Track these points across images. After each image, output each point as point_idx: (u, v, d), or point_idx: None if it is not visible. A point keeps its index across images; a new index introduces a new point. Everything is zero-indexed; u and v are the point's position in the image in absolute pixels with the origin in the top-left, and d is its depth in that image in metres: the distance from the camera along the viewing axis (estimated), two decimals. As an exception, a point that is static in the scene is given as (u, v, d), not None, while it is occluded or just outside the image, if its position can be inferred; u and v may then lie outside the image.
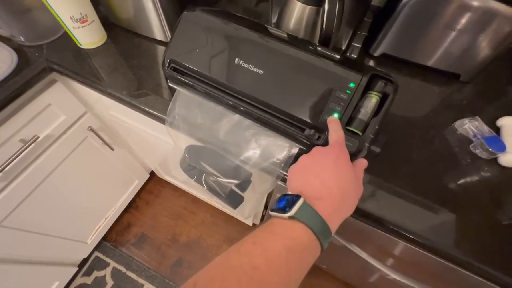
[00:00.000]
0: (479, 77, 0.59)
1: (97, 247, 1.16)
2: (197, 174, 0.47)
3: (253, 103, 0.43)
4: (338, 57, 0.40)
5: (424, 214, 0.43)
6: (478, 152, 0.48)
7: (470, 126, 0.49)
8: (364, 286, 1.00)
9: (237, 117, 0.46)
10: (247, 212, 0.54)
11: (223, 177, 0.46)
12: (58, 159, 0.73)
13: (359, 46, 0.62)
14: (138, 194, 1.28)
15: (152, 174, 1.30)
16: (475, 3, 0.47)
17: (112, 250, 1.18)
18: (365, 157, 0.41)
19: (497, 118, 0.52)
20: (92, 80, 0.56)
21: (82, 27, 0.53)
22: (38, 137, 0.63)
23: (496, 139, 0.46)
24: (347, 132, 0.39)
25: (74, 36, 0.56)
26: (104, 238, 1.17)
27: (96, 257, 1.15)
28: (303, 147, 0.43)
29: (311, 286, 1.14)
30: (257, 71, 0.42)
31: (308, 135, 0.40)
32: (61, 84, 0.64)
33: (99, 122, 0.80)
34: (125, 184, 1.13)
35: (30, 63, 0.57)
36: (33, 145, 0.63)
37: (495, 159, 0.48)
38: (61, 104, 0.66)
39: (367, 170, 0.45)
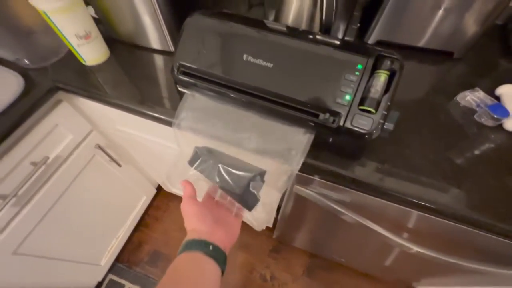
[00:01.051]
0: (470, 54, 0.62)
1: (111, 270, 1.13)
2: (210, 170, 0.45)
3: (265, 95, 0.44)
4: (342, 42, 0.42)
5: (441, 184, 0.44)
6: (483, 120, 0.50)
7: (472, 97, 0.51)
8: (384, 273, 1.00)
9: (249, 112, 0.47)
10: (260, 210, 0.51)
11: (235, 188, 0.43)
12: (68, 179, 0.73)
13: (353, 37, 0.65)
14: (146, 211, 1.27)
15: (159, 189, 1.29)
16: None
17: (126, 271, 1.15)
18: (380, 135, 0.43)
19: (494, 88, 0.55)
20: (99, 94, 0.56)
21: (86, 43, 0.54)
22: (48, 158, 0.62)
23: (499, 106, 0.48)
24: (361, 111, 0.40)
25: (78, 54, 0.57)
26: (117, 259, 1.14)
27: (111, 280, 1.12)
28: (319, 132, 0.44)
29: (331, 283, 1.13)
30: (266, 64, 0.43)
31: (323, 119, 0.41)
32: (67, 103, 0.65)
33: (105, 139, 0.80)
34: (133, 201, 1.12)
35: (36, 85, 0.57)
36: (43, 167, 0.62)
37: (500, 126, 0.49)
38: (67, 123, 0.66)
39: (379, 152, 0.46)
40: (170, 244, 1.22)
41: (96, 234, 0.95)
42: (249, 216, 0.48)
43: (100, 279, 1.04)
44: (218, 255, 0.36)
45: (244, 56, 0.44)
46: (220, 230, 0.39)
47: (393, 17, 0.58)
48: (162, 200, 1.32)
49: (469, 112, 0.52)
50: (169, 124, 0.54)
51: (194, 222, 0.39)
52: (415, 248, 0.49)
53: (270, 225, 1.16)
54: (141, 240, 1.23)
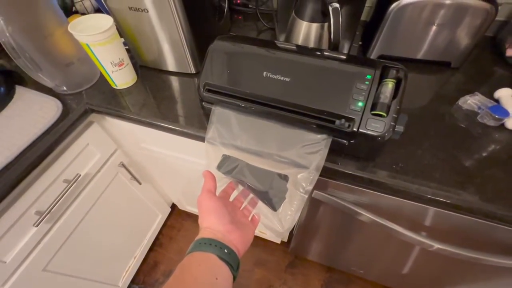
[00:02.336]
0: (466, 63, 0.67)
1: (127, 292, 1.12)
2: (237, 169, 0.47)
3: (284, 106, 0.49)
4: (351, 57, 0.48)
5: (454, 180, 0.47)
6: (486, 121, 0.53)
7: (472, 100, 0.56)
8: (405, 284, 0.98)
9: (271, 122, 0.52)
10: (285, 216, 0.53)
11: (261, 185, 0.46)
12: (94, 197, 0.77)
13: (356, 54, 0.71)
14: (160, 231, 1.28)
15: (172, 208, 1.31)
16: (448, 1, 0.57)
17: (142, 293, 1.14)
18: (392, 138, 0.47)
19: (492, 93, 0.59)
20: (129, 114, 0.62)
21: (119, 70, 0.61)
22: (80, 175, 0.67)
23: (499, 107, 0.52)
24: (373, 116, 0.44)
25: (111, 79, 0.63)
26: (132, 281, 1.14)
27: (127, 302, 1.11)
28: (336, 137, 0.48)
29: (351, 298, 1.10)
30: (284, 79, 0.48)
31: (339, 124, 0.46)
32: (97, 124, 0.70)
33: (128, 157, 0.85)
34: (149, 220, 1.14)
35: (72, 109, 0.63)
36: (74, 184, 0.66)
37: (503, 125, 0.53)
38: (97, 143, 0.72)
39: (393, 153, 0.50)
40: (185, 263, 1.22)
41: (116, 253, 0.97)
42: (265, 220, 0.48)
43: (117, 301, 1.04)
44: (232, 260, 0.33)
45: (264, 73, 0.49)
46: (235, 232, 0.37)
47: (392, 33, 0.65)
48: (176, 219, 1.33)
49: (472, 114, 0.56)
50: (193, 137, 0.59)
51: (211, 219, 0.36)
52: (436, 245, 0.51)
53: (285, 239, 1.16)
54: (156, 260, 1.23)
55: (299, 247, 1.07)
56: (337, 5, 0.51)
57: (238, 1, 0.88)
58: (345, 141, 0.48)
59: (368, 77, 0.45)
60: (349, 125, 0.46)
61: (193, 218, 1.32)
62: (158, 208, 1.15)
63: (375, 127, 0.44)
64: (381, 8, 0.64)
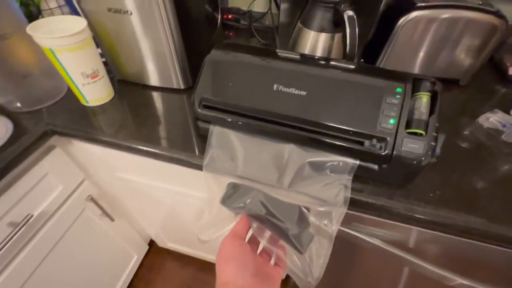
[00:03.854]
0: (474, 81, 0.65)
1: None
2: (250, 203, 0.37)
3: (301, 125, 0.40)
4: (375, 68, 0.42)
5: (505, 207, 0.40)
6: (514, 140, 0.49)
7: (495, 118, 0.51)
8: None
9: (283, 145, 0.43)
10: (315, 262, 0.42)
11: (285, 220, 0.35)
12: (52, 241, 0.61)
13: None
14: (135, 274, 1.08)
15: (150, 245, 1.13)
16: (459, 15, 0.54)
17: None
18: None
19: (507, 110, 0.56)
20: (104, 136, 0.50)
21: (92, 82, 0.50)
22: (31, 216, 0.52)
23: (527, 125, 0.48)
24: (409, 135, 0.37)
25: (81, 94, 0.52)
26: None
27: None
28: (363, 161, 0.40)
29: None
30: (299, 93, 0.41)
31: (369, 146, 0.38)
32: (60, 149, 0.57)
33: (98, 189, 0.70)
34: (123, 263, 0.96)
35: (27, 131, 0.50)
36: (23, 228, 0.51)
37: (531, 144, 0.49)
38: (58, 172, 0.58)
39: (426, 179, 0.43)
40: (165, 313, 1.03)
41: (77, 311, 0.77)
42: (291, 266, 0.38)
43: None
44: None
45: (275, 86, 0.41)
46: (259, 286, 0.30)
47: (399, 49, 0.61)
48: (155, 259, 1.15)
49: (495, 133, 0.51)
50: (184, 163, 0.48)
51: (229, 270, 0.30)
52: (459, 280, 0.43)
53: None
54: (129, 311, 1.02)
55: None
56: (352, 13, 0.46)
57: (230, 16, 0.83)
58: (375, 166, 0.40)
59: (399, 90, 0.39)
60: (381, 147, 0.38)
61: (175, 256, 1.14)
62: (134, 247, 0.98)
63: (412, 147, 0.37)
64: (386, 23, 0.61)
